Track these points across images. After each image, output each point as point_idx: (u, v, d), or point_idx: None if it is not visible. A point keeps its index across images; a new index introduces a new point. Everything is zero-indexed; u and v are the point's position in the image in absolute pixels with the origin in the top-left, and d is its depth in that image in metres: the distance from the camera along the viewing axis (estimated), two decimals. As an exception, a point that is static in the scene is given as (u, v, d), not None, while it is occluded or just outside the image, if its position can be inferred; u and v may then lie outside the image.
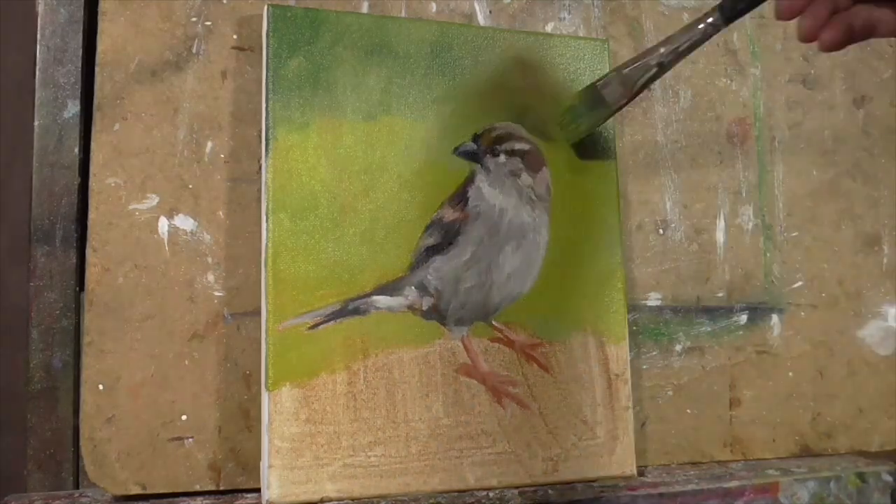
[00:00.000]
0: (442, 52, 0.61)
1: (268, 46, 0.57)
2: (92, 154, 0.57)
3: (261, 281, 0.56)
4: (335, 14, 0.59)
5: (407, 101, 0.59)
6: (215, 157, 0.59)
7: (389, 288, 0.57)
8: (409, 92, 0.60)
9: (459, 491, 0.57)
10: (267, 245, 0.55)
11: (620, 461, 0.61)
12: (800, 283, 0.71)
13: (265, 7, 0.58)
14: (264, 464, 0.54)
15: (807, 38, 0.48)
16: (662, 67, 0.55)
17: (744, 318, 0.69)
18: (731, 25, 0.71)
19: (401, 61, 0.60)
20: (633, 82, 0.56)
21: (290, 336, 0.55)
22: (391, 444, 0.56)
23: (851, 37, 0.47)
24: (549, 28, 0.67)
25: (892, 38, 0.76)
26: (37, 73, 0.61)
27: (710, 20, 0.53)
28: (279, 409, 0.54)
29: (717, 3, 0.53)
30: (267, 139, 0.56)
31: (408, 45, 0.60)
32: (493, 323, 0.60)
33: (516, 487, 0.58)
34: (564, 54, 0.64)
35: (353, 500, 0.55)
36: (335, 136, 0.58)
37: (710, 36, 0.54)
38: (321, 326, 0.56)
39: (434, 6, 0.65)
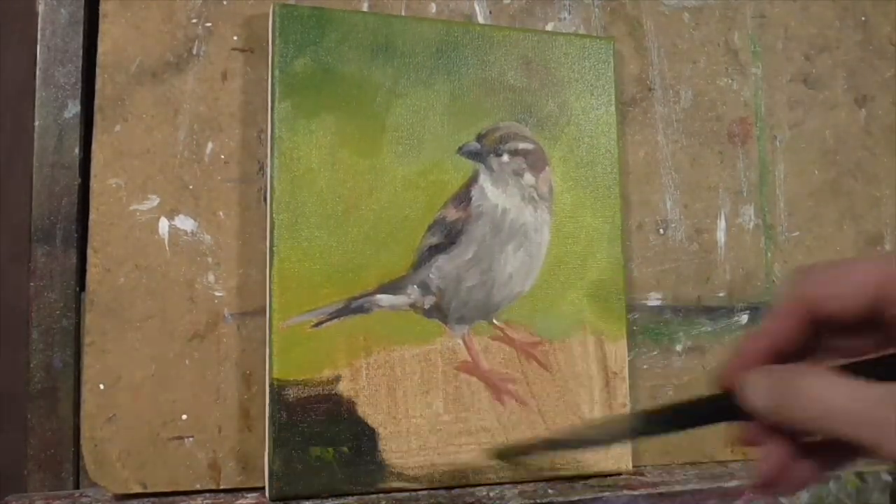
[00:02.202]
0: (447, 52, 0.61)
1: (274, 46, 0.57)
2: (93, 155, 0.57)
3: (266, 279, 0.56)
4: (341, 13, 0.59)
5: (412, 101, 0.59)
6: (215, 158, 0.59)
7: (392, 287, 0.58)
8: (413, 91, 0.60)
9: (460, 486, 0.57)
10: (272, 243, 0.56)
11: (616, 458, 0.61)
12: (801, 283, 0.71)
13: (271, 6, 0.58)
14: (267, 460, 0.54)
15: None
16: (555, 446, 0.51)
17: (745, 318, 0.69)
18: (732, 25, 0.71)
19: (406, 60, 0.60)
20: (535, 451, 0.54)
21: (294, 333, 0.55)
22: (392, 440, 0.56)
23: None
24: (549, 28, 0.67)
25: (893, 39, 0.76)
26: (37, 73, 0.61)
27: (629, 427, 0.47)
28: (283, 405, 0.55)
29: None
30: (272, 139, 0.56)
31: (413, 44, 0.60)
32: (494, 321, 0.60)
33: (514, 483, 0.58)
34: (570, 53, 0.64)
35: (352, 495, 0.55)
36: (340, 136, 0.58)
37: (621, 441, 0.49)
38: (325, 324, 0.56)
39: (434, 6, 0.65)
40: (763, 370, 0.36)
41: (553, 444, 0.55)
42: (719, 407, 0.38)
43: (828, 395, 0.32)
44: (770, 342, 0.37)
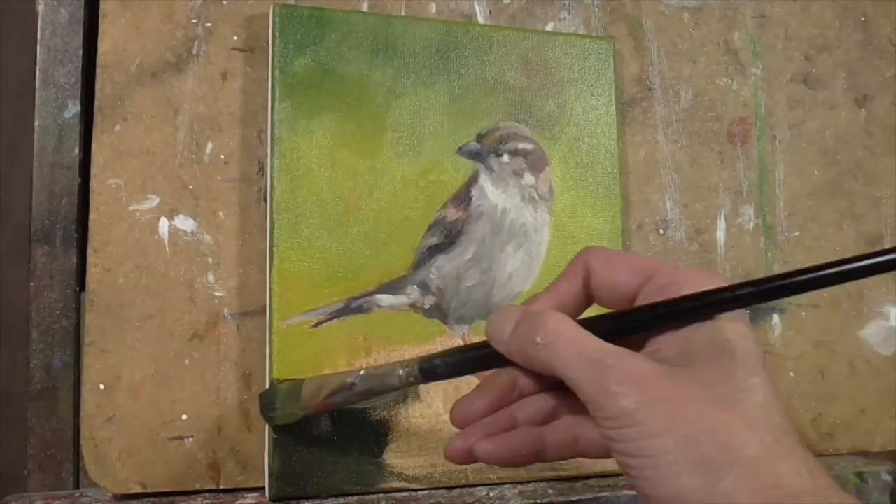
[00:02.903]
0: (447, 52, 0.61)
1: (274, 46, 0.57)
2: (93, 155, 0.57)
3: (266, 279, 0.56)
4: (342, 13, 0.59)
5: (411, 101, 0.60)
6: (215, 158, 0.59)
7: (392, 287, 0.58)
8: (413, 91, 0.60)
9: (460, 486, 0.57)
10: (272, 243, 0.56)
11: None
12: (801, 283, 0.71)
13: (271, 6, 0.58)
14: (267, 460, 0.54)
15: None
16: (354, 392, 0.48)
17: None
18: (732, 25, 0.71)
19: (406, 61, 0.60)
20: (325, 393, 0.50)
21: (294, 333, 0.55)
22: (392, 440, 0.56)
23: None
24: (549, 28, 0.67)
25: (894, 39, 0.76)
26: (37, 73, 0.61)
27: (409, 370, 0.45)
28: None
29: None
30: (273, 139, 0.56)
31: (413, 44, 0.60)
32: (495, 322, 0.60)
33: (514, 483, 0.58)
34: (570, 53, 0.64)
35: (352, 495, 0.55)
36: (340, 136, 0.58)
37: (408, 386, 0.49)
38: (325, 324, 0.56)
39: (434, 6, 0.65)
40: (509, 308, 0.40)
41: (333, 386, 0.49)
42: (491, 354, 0.41)
43: (567, 335, 0.36)
44: (556, 301, 0.40)
